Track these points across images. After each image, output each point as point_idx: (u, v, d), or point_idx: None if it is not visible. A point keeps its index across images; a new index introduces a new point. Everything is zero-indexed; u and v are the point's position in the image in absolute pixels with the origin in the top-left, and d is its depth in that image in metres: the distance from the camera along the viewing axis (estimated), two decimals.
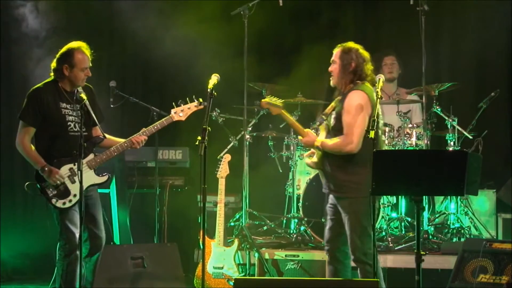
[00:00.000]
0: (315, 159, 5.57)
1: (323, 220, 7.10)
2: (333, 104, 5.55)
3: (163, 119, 5.75)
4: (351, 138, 5.29)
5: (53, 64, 5.59)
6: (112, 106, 7.03)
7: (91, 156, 5.55)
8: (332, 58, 5.56)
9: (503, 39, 8.09)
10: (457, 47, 8.33)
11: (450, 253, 6.51)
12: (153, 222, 7.10)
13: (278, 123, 7.74)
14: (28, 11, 8.31)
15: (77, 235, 5.38)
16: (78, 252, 5.38)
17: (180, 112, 5.75)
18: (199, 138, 5.03)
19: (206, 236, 5.40)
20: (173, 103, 5.80)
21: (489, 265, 5.74)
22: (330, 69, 5.55)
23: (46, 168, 5.40)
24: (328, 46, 8.26)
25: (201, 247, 5.50)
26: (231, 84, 7.20)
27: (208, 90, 5.33)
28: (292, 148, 7.51)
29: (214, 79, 5.38)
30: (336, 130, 5.42)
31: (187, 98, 5.78)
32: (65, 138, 5.45)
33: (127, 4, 8.59)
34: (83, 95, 5.41)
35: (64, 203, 5.44)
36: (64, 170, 5.46)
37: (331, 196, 5.55)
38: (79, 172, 5.17)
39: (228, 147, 7.45)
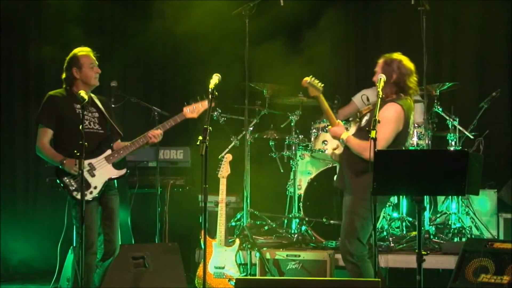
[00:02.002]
0: (338, 151, 5.60)
1: (324, 220, 7.13)
2: (370, 106, 5.54)
3: (175, 116, 5.81)
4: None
5: (63, 75, 5.76)
6: (113, 106, 7.04)
7: (108, 151, 5.65)
8: (375, 69, 5.54)
9: (503, 39, 8.10)
10: (458, 47, 8.34)
11: (451, 253, 6.51)
12: (154, 222, 7.10)
13: (279, 123, 7.75)
14: (30, 10, 8.34)
15: (95, 231, 5.51)
16: (95, 248, 5.50)
17: (193, 110, 5.77)
18: (200, 138, 5.03)
19: (207, 236, 5.40)
20: (185, 102, 5.82)
21: (490, 265, 5.74)
22: (374, 79, 5.52)
23: (65, 161, 5.49)
24: (329, 46, 8.34)
25: (203, 247, 5.50)
26: (232, 84, 7.21)
27: (209, 90, 5.33)
28: (293, 148, 7.51)
29: (215, 79, 5.39)
30: (363, 131, 5.42)
31: (198, 97, 5.78)
32: (81, 135, 5.48)
33: (128, 4, 8.60)
34: (84, 95, 5.44)
35: (85, 195, 5.48)
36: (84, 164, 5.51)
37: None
38: (81, 171, 5.22)
39: (229, 147, 7.45)
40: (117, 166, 5.69)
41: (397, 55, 5.51)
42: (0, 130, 8.24)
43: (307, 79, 5.60)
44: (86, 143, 5.31)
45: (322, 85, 5.62)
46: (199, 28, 7.89)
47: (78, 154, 5.22)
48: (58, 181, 5.55)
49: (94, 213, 5.57)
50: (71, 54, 5.77)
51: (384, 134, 5.23)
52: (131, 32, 8.64)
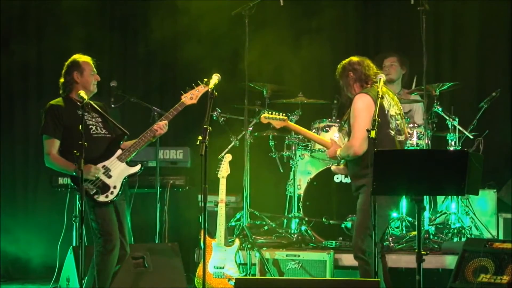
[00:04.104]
0: (341, 165, 5.70)
1: (324, 220, 7.14)
2: (376, 100, 5.58)
3: (176, 105, 5.77)
4: (352, 141, 5.38)
5: (61, 79, 5.71)
6: (113, 106, 7.05)
7: (119, 151, 5.64)
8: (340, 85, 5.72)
9: (503, 39, 8.10)
10: (458, 47, 8.33)
11: (451, 253, 6.51)
12: (154, 222, 7.11)
13: None
14: (30, 10, 8.34)
15: (116, 234, 5.51)
16: (116, 251, 5.49)
17: (192, 97, 5.76)
18: (200, 138, 5.03)
19: (207, 236, 5.41)
20: (181, 91, 5.81)
21: (490, 265, 5.75)
22: (347, 93, 5.69)
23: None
24: (329, 46, 8.34)
25: (202, 246, 5.50)
26: (232, 84, 7.21)
27: (209, 89, 5.33)
28: (293, 147, 7.51)
29: (215, 78, 5.39)
30: (349, 135, 5.54)
31: (193, 84, 5.77)
32: (90, 141, 5.49)
33: (128, 4, 8.60)
34: (84, 95, 5.44)
35: (106, 196, 5.51)
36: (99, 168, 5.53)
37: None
38: (80, 171, 5.20)
39: (229, 146, 7.45)
40: (129, 163, 5.69)
41: (344, 60, 5.70)
42: (0, 130, 8.24)
43: (265, 115, 5.74)
44: (96, 149, 5.40)
45: (283, 114, 5.71)
46: (199, 28, 7.89)
47: (78, 154, 5.20)
48: (76, 187, 5.52)
49: (113, 216, 5.55)
50: (71, 59, 5.72)
51: (359, 125, 5.34)
52: (130, 32, 8.64)
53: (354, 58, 5.66)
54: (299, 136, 7.50)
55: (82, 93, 5.49)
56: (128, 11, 8.61)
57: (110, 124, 5.76)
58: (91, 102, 5.75)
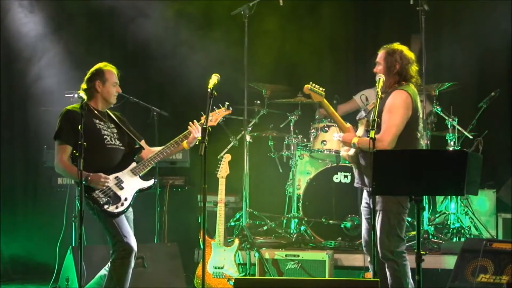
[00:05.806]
0: (351, 152, 5.54)
1: (323, 220, 7.14)
2: (375, 101, 5.49)
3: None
4: (383, 135, 5.25)
5: (83, 85, 5.66)
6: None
7: (133, 164, 5.62)
8: (377, 60, 5.53)
9: (503, 39, 8.09)
10: (457, 47, 8.32)
11: (450, 253, 6.52)
12: (154, 222, 7.11)
13: (278, 123, 7.75)
14: (27, 12, 8.32)
15: (131, 239, 5.49)
16: (133, 256, 5.47)
17: (211, 118, 5.73)
18: (199, 138, 5.04)
19: (206, 236, 5.41)
20: (201, 112, 5.72)
21: (489, 265, 5.75)
22: (375, 70, 5.51)
23: (90, 177, 5.38)
24: (329, 46, 8.35)
25: (202, 247, 5.50)
26: (231, 84, 7.21)
27: (208, 90, 5.33)
28: (292, 148, 7.52)
29: (214, 79, 5.37)
30: (378, 127, 5.36)
31: (214, 107, 5.72)
32: (103, 151, 5.49)
33: (128, 4, 8.60)
34: (84, 95, 5.42)
35: (116, 207, 5.48)
36: (111, 179, 5.50)
37: (365, 194, 5.52)
38: (80, 171, 5.18)
39: (229, 147, 7.45)
40: (143, 177, 5.67)
41: (398, 45, 5.54)
42: (0, 130, 8.24)
43: (308, 86, 5.63)
44: (109, 159, 5.42)
45: (323, 89, 5.63)
46: (199, 28, 7.89)
47: (78, 154, 5.18)
48: (87, 196, 5.42)
49: (126, 224, 5.54)
50: (96, 67, 5.68)
51: (395, 121, 5.27)
52: (130, 32, 8.63)
53: (408, 53, 5.50)
54: (299, 136, 7.52)
55: (82, 93, 5.46)
56: (128, 11, 8.60)
57: (125, 136, 5.71)
58: (109, 112, 5.73)
